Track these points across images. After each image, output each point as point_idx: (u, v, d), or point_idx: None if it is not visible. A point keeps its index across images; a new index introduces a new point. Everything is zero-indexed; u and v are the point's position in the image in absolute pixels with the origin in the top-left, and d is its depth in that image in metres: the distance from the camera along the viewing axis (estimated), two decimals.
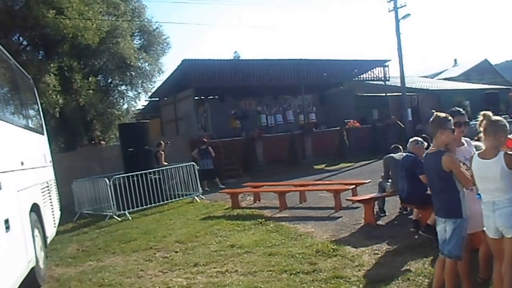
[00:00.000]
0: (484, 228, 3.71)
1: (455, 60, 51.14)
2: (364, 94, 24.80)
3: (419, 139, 6.67)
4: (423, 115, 25.06)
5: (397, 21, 22.80)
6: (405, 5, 22.73)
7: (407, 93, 23.82)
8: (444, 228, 3.91)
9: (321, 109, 24.42)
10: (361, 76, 23.90)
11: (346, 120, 21.33)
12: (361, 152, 19.71)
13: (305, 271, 5.24)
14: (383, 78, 23.36)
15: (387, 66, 23.36)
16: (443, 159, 3.79)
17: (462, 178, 3.76)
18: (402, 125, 22.18)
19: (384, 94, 23.62)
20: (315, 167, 17.90)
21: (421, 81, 32.76)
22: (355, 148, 20.39)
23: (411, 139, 6.76)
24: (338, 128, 20.25)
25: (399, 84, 23.56)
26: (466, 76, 41.86)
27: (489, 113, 3.62)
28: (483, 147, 3.75)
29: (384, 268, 5.11)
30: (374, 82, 24.40)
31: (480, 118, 3.65)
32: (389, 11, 23.14)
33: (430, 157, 3.99)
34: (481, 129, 3.63)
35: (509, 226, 3.48)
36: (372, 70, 23.57)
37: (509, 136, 3.71)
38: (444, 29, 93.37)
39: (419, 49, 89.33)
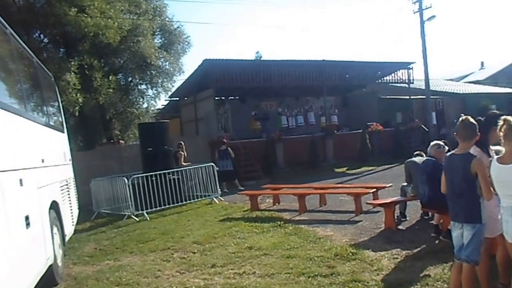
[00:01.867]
0: (504, 233, 3.68)
1: (482, 63, 49.98)
2: (388, 97, 24.42)
3: (441, 143, 6.56)
4: (448, 119, 24.55)
5: (422, 23, 22.43)
6: (430, 7, 22.37)
7: (431, 96, 23.37)
8: (461, 233, 3.89)
9: (343, 111, 24.18)
10: (385, 78, 23.60)
11: (368, 123, 21.05)
12: (384, 156, 19.43)
13: (323, 274, 5.22)
14: (407, 81, 23.02)
15: (411, 68, 23.04)
16: (473, 163, 3.76)
17: (485, 187, 3.69)
18: (426, 129, 21.78)
19: (408, 97, 23.23)
20: (336, 170, 17.70)
21: (446, 84, 32.12)
22: (378, 152, 20.11)
23: (432, 143, 6.68)
24: (360, 131, 19.99)
25: (423, 87, 23.13)
26: (493, 80, 40.84)
27: (510, 118, 3.60)
28: (503, 152, 3.70)
29: (403, 273, 5.08)
30: (398, 85, 24.05)
31: (501, 123, 3.64)
32: (414, 13, 22.79)
33: (456, 158, 3.94)
34: (501, 134, 3.62)
35: None
36: (395, 72, 23.27)
37: None
38: (471, 31, 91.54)
39: (446, 51, 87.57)
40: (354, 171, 17.09)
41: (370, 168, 17.41)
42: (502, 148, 3.91)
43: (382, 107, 23.47)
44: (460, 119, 3.97)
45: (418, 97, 23.72)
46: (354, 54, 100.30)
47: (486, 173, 3.72)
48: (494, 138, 4.05)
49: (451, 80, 37.92)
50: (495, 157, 3.71)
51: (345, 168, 17.85)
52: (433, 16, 22.45)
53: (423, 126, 21.96)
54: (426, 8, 22.39)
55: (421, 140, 20.53)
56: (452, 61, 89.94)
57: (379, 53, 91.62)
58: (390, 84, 24.00)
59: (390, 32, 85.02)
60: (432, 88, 24.11)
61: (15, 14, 15.61)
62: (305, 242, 6.79)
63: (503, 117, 3.68)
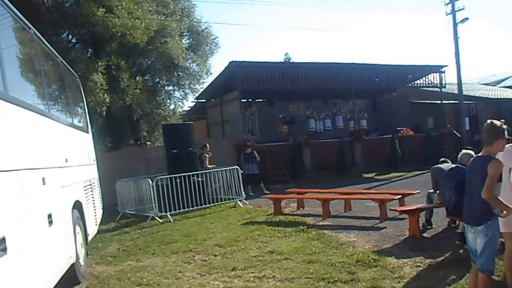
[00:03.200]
0: None
1: None
2: (419, 101, 23.92)
3: (473, 153, 6.36)
4: (482, 125, 23.77)
5: (455, 25, 21.91)
6: (463, 9, 21.85)
7: (464, 101, 22.77)
8: (474, 238, 3.90)
9: (373, 116, 23.85)
10: (416, 82, 23.12)
11: (398, 128, 20.67)
12: (414, 162, 18.94)
13: (343, 280, 5.21)
14: (439, 85, 22.48)
15: (444, 72, 22.49)
16: (490, 163, 3.70)
17: (487, 183, 3.63)
18: (459, 135, 21.21)
19: (440, 102, 22.68)
20: (364, 175, 17.48)
21: (481, 88, 31.24)
22: (408, 158, 19.66)
23: (464, 151, 6.49)
24: (390, 136, 19.63)
25: (456, 91, 22.56)
26: None
27: None
28: None
29: (424, 281, 5.03)
30: (429, 89, 23.51)
31: None
32: (447, 15, 22.28)
33: (478, 160, 3.93)
34: None
35: None
36: (427, 76, 22.77)
37: None
38: (509, 34, 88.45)
39: (482, 54, 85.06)
40: (382, 176, 16.84)
41: (400, 174, 17.11)
42: None
43: (412, 111, 23.07)
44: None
45: (450, 101, 23.14)
46: (385, 57, 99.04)
47: (496, 174, 3.66)
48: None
49: (487, 84, 36.81)
50: None
51: (373, 174, 17.62)
52: (466, 18, 21.93)
53: (455, 132, 21.40)
54: (459, 10, 21.91)
55: (453, 146, 19.99)
56: (489, 64, 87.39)
57: (410, 56, 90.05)
58: (421, 88, 23.51)
59: (422, 34, 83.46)
60: (465, 92, 23.52)
61: (44, 14, 15.79)
62: (327, 248, 6.75)
63: None
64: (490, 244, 3.76)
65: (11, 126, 3.84)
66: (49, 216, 4.55)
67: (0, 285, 3.15)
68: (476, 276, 3.93)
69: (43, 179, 4.53)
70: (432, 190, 7.69)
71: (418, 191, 9.49)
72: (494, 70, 67.95)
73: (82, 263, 6.23)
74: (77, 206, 6.10)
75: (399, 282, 5.03)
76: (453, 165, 6.65)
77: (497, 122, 3.86)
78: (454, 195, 6.03)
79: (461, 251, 6.03)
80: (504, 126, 3.84)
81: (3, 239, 3.21)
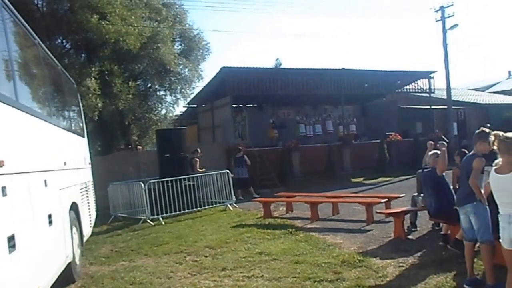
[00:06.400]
0: (500, 240, 3.91)
1: (510, 72, 48.73)
2: (407, 106, 24.21)
3: (439, 152, 6.47)
4: (470, 130, 24.18)
5: (444, 31, 22.25)
6: (453, 15, 22.18)
7: (453, 107, 23.09)
8: (465, 218, 4.86)
9: (362, 121, 24.10)
10: (405, 87, 23.37)
11: (387, 133, 20.88)
12: (402, 167, 19.17)
13: (329, 279, 5.40)
14: (428, 90, 22.73)
15: (433, 77, 22.71)
16: (475, 160, 4.68)
17: (473, 174, 4.62)
18: (447, 140, 21.50)
19: (428, 107, 22.99)
20: (353, 180, 17.64)
21: (469, 94, 31.56)
22: (396, 162, 19.93)
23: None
24: (378, 141, 19.88)
25: (445, 97, 22.89)
26: None
27: (499, 132, 3.99)
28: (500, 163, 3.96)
29: (406, 280, 5.24)
30: (419, 94, 23.80)
31: (492, 138, 4.00)
32: (436, 21, 22.62)
33: (470, 157, 4.90)
34: (495, 147, 3.94)
35: None
36: (416, 82, 22.99)
37: None
38: (498, 40, 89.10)
39: (472, 60, 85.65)
40: (370, 181, 17.02)
41: (387, 178, 17.27)
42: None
43: (401, 116, 23.28)
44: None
45: (439, 107, 23.45)
46: (374, 63, 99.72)
47: (478, 168, 4.63)
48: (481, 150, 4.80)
49: (476, 90, 37.18)
50: (493, 167, 3.90)
51: (361, 178, 17.76)
52: (456, 25, 22.24)
53: (443, 137, 21.67)
54: (449, 17, 22.21)
55: None
56: (478, 70, 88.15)
57: (400, 61, 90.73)
58: (411, 93, 23.76)
59: (411, 40, 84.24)
60: (454, 98, 23.79)
61: (39, 20, 15.83)
62: (314, 249, 6.95)
63: (493, 133, 4.01)
64: (481, 220, 4.61)
65: (21, 131, 4.09)
66: (49, 216, 4.76)
67: (11, 280, 3.36)
68: (470, 249, 4.83)
69: (45, 181, 4.75)
70: (416, 194, 7.90)
71: (404, 194, 9.72)
72: (483, 76, 68.67)
73: (77, 262, 6.41)
74: (74, 207, 6.28)
75: (382, 281, 5.25)
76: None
77: (486, 130, 4.76)
78: (433, 200, 6.22)
79: (443, 253, 6.19)
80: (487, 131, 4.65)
81: (12, 237, 3.41)
